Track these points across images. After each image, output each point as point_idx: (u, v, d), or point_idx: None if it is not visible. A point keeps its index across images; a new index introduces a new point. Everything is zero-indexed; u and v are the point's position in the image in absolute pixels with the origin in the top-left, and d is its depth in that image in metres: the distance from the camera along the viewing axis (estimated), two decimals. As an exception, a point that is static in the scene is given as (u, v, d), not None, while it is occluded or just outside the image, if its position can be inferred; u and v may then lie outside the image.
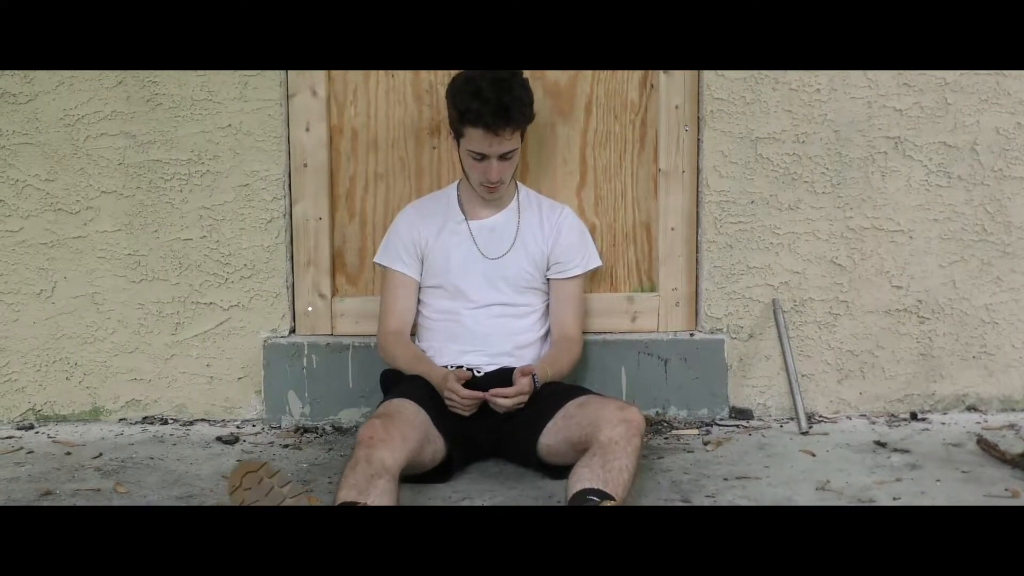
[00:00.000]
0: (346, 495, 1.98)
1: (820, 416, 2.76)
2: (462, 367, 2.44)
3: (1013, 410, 2.78)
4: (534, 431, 2.32)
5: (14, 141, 2.64)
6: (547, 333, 2.58)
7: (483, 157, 2.40)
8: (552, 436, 2.30)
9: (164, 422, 2.71)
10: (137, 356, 2.71)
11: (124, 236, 2.67)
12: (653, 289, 2.80)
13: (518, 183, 2.59)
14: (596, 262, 2.62)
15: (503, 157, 2.40)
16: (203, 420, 2.73)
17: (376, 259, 2.60)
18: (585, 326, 2.69)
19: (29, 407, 2.71)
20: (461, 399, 2.31)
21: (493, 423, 2.35)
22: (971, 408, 2.79)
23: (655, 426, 2.66)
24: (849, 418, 2.76)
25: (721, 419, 2.72)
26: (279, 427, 2.67)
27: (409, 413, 2.26)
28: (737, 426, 2.68)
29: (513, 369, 2.41)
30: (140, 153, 2.65)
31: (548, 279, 2.56)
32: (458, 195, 2.57)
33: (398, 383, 2.43)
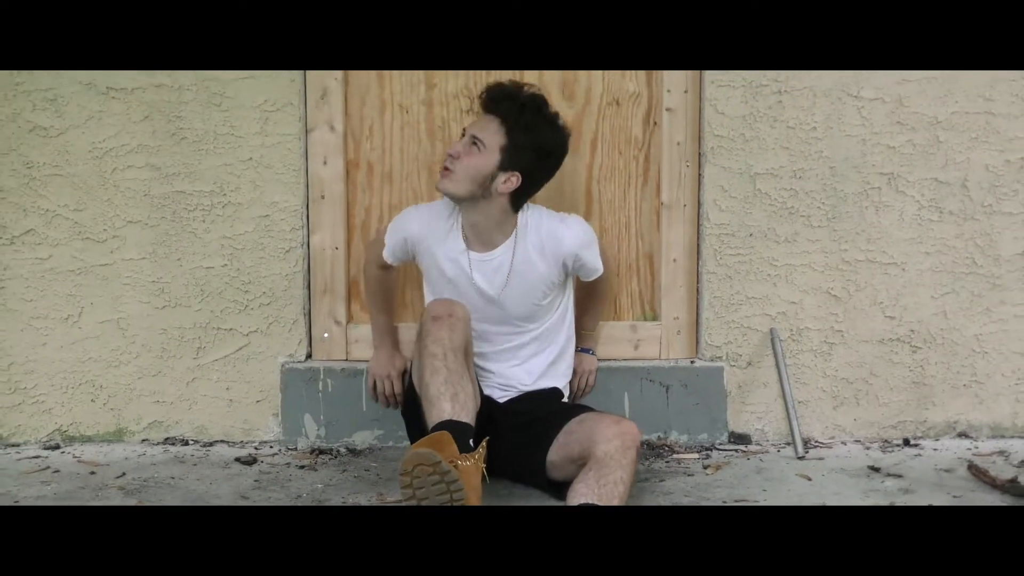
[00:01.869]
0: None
1: (816, 441, 2.75)
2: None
3: (1003, 436, 2.77)
4: (541, 449, 2.33)
5: (44, 172, 2.66)
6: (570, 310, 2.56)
7: (462, 134, 2.40)
8: (556, 453, 2.31)
9: (185, 443, 2.72)
10: (160, 379, 2.71)
11: (149, 264, 2.69)
12: (655, 318, 2.80)
13: (523, 210, 2.46)
14: (601, 268, 2.53)
15: (474, 141, 2.33)
16: (222, 441, 2.73)
17: (381, 234, 2.55)
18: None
19: (56, 428, 2.72)
20: (387, 395, 2.52)
21: (504, 443, 2.33)
22: (962, 435, 2.78)
23: (657, 450, 2.66)
24: (844, 443, 2.75)
25: (720, 444, 2.72)
26: (295, 448, 2.69)
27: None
28: (736, 451, 2.68)
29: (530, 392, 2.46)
30: (165, 185, 2.67)
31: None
32: (460, 223, 2.46)
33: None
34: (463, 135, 2.38)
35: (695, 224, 2.75)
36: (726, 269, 2.72)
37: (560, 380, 2.54)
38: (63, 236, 2.68)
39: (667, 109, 2.72)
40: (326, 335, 2.74)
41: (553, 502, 2.27)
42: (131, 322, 2.71)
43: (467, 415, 2.18)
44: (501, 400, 2.48)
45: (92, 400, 2.72)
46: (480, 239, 2.43)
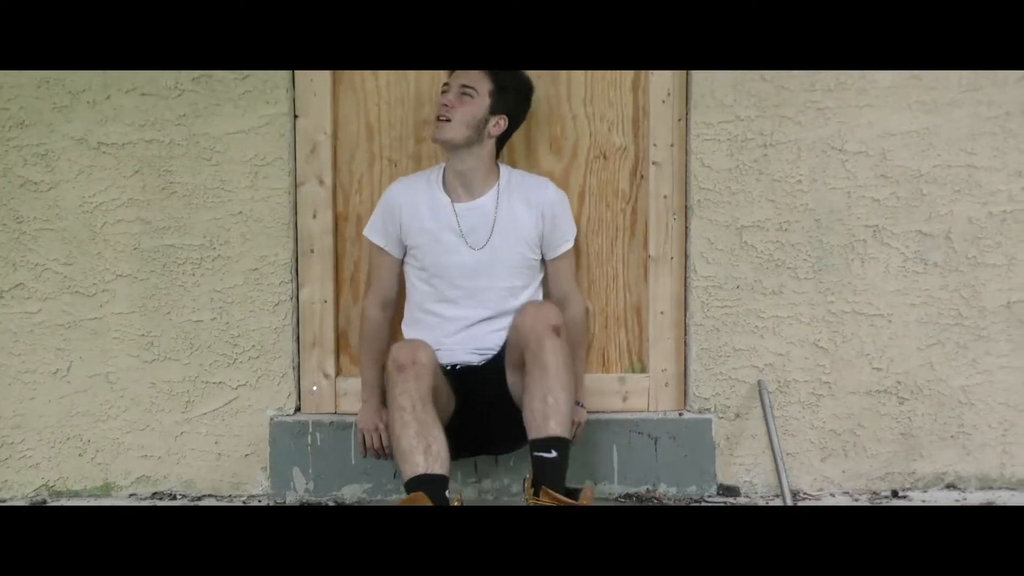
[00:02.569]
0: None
1: (804, 493, 2.74)
2: (456, 366, 2.51)
3: (990, 488, 2.76)
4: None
5: (35, 227, 2.67)
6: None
7: (446, 89, 2.49)
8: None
9: (173, 497, 2.70)
10: (148, 433, 2.70)
11: (138, 318, 2.68)
12: (643, 370, 2.80)
13: (500, 165, 2.59)
14: (575, 229, 2.66)
15: (464, 91, 2.46)
16: (210, 495, 2.71)
17: (365, 231, 2.62)
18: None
19: (43, 483, 2.70)
20: (376, 448, 2.51)
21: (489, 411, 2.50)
22: (950, 486, 2.76)
23: (645, 502, 2.65)
24: (832, 495, 2.73)
25: (709, 496, 2.70)
26: (284, 502, 2.66)
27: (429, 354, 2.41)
28: (725, 503, 2.67)
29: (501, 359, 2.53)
30: (155, 239, 2.67)
31: (543, 257, 2.61)
32: (443, 178, 2.57)
33: None
34: (446, 89, 2.49)
35: (682, 276, 2.76)
36: (713, 321, 2.72)
37: None
38: (52, 290, 2.68)
39: (653, 162, 2.73)
40: (315, 388, 2.73)
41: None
42: (120, 376, 2.70)
43: (440, 466, 2.25)
44: (477, 363, 2.54)
45: (80, 454, 2.70)
46: (467, 188, 2.54)
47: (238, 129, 2.66)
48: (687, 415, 2.74)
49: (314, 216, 2.70)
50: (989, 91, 2.69)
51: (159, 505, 2.64)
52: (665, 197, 2.74)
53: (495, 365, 2.54)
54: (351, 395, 2.72)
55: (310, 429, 2.67)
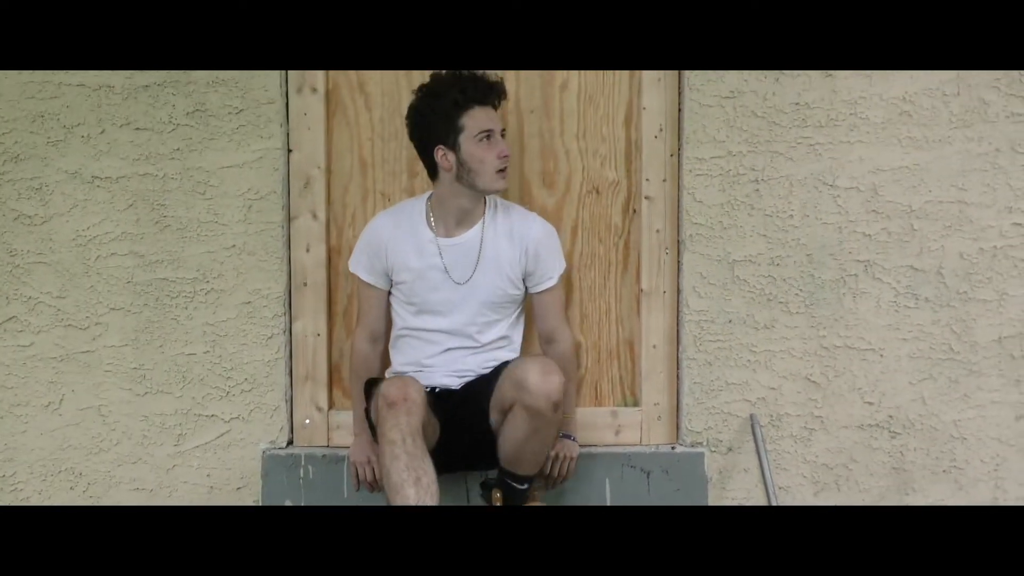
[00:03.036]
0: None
1: None
2: (435, 388, 2.51)
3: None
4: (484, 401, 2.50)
5: (28, 260, 2.67)
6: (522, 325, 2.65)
7: (490, 134, 2.43)
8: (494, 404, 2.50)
9: None
10: (140, 466, 2.70)
11: (131, 351, 2.68)
12: (636, 404, 2.80)
13: (486, 198, 2.56)
14: (563, 265, 2.62)
15: (502, 133, 2.48)
16: None
17: (350, 266, 2.61)
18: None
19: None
20: (369, 480, 2.53)
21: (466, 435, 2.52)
22: None
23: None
24: None
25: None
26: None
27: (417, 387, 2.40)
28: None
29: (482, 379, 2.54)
30: (148, 272, 2.68)
31: (527, 289, 2.60)
32: (427, 211, 2.54)
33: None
34: (490, 134, 2.43)
35: (675, 310, 2.76)
36: (706, 355, 2.72)
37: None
38: (45, 323, 2.68)
39: (646, 197, 2.74)
40: (307, 421, 2.73)
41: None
42: (112, 409, 2.70)
43: (431, 497, 2.27)
44: (456, 387, 2.56)
45: (71, 488, 2.70)
46: (457, 223, 2.52)
47: (232, 163, 2.66)
48: (679, 449, 2.74)
49: (307, 250, 2.70)
50: (979, 128, 2.70)
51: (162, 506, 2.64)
52: (658, 231, 2.75)
53: (473, 389, 2.54)
54: (344, 428, 2.72)
55: (303, 462, 2.66)
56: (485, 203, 2.55)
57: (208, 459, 2.70)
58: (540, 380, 2.34)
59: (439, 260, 2.51)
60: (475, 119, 2.41)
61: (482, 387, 2.52)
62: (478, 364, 2.56)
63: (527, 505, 2.53)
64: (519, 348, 2.62)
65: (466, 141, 2.41)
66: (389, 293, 2.58)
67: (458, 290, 2.51)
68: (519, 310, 2.61)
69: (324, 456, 2.67)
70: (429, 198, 2.56)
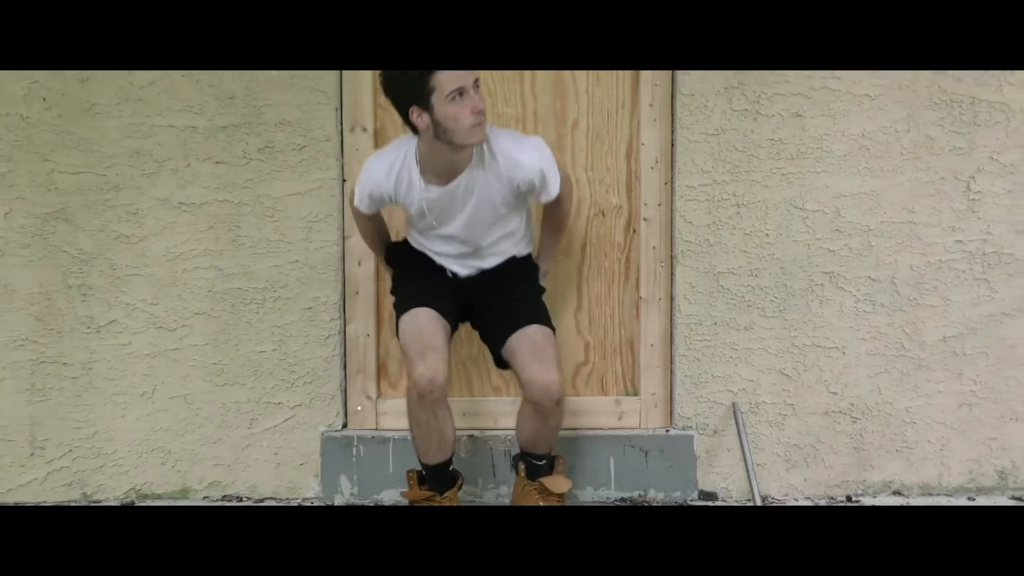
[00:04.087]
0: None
1: (772, 498, 3.05)
2: (455, 274, 2.69)
3: (930, 495, 3.06)
4: (498, 342, 2.68)
5: (126, 273, 3.00)
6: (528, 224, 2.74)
7: (462, 91, 2.35)
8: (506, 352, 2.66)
9: (239, 499, 3.04)
10: (219, 446, 3.04)
11: (211, 349, 3.02)
12: (636, 393, 3.11)
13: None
14: (559, 181, 2.57)
15: (475, 86, 2.39)
16: (271, 498, 3.05)
17: (354, 204, 2.66)
18: (577, 423, 3.01)
19: (131, 487, 3.06)
20: None
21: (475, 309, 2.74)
22: (896, 492, 3.07)
23: (638, 505, 2.99)
24: (796, 500, 3.04)
25: (692, 500, 3.02)
26: (332, 504, 3.01)
27: (439, 332, 2.58)
28: (705, 505, 2.99)
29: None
30: (225, 282, 3.01)
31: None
32: (417, 159, 2.53)
33: (408, 278, 2.70)
34: (464, 91, 2.36)
35: (668, 315, 3.07)
36: (695, 352, 3.02)
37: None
38: (140, 326, 3.02)
39: (644, 219, 3.05)
40: (359, 408, 3.07)
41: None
42: (196, 397, 3.04)
43: (444, 454, 2.63)
44: (462, 274, 2.71)
45: (162, 463, 3.05)
46: (444, 172, 2.51)
47: (295, 191, 2.99)
48: (673, 432, 3.04)
49: (359, 264, 3.04)
50: (927, 159, 2.99)
51: (228, 505, 3.00)
52: (654, 248, 3.06)
53: (493, 275, 2.69)
54: (391, 414, 3.05)
55: (355, 443, 3.00)
56: (472, 149, 2.49)
57: (276, 440, 3.04)
58: (542, 380, 2.53)
59: (428, 207, 2.56)
60: (445, 78, 2.34)
61: (498, 274, 2.68)
62: (488, 261, 2.70)
63: (554, 476, 2.74)
64: (525, 232, 2.74)
65: (438, 102, 2.35)
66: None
67: (454, 224, 2.60)
68: (521, 207, 2.67)
69: (373, 437, 3.00)
70: (416, 150, 2.53)
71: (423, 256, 2.74)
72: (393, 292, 2.77)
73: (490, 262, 2.71)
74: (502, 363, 2.71)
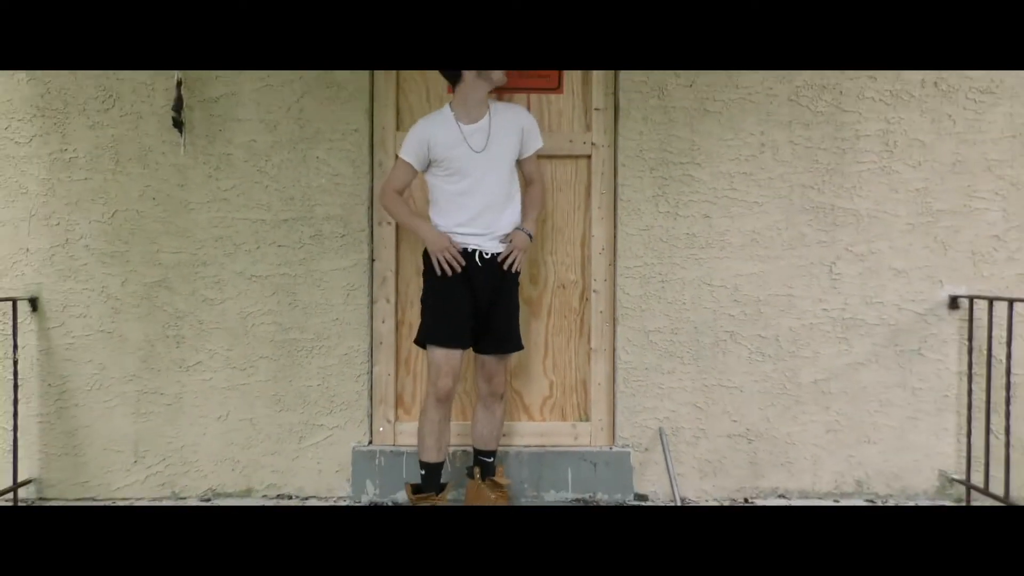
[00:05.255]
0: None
1: (689, 499, 3.65)
2: (466, 249, 3.19)
3: (806, 497, 3.70)
4: (484, 351, 3.27)
5: (210, 327, 3.75)
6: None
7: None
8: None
9: (290, 497, 3.72)
10: (276, 457, 3.75)
11: (272, 384, 3.75)
12: (588, 420, 3.76)
13: (489, 102, 3.27)
14: (541, 142, 3.33)
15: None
16: (314, 496, 3.71)
17: (399, 153, 3.26)
18: (543, 442, 3.69)
19: (208, 488, 3.77)
20: (456, 261, 3.12)
21: (483, 328, 3.26)
22: (781, 496, 3.70)
23: (588, 504, 3.69)
24: (707, 501, 3.64)
25: (629, 501, 3.62)
26: (360, 502, 3.70)
27: (459, 360, 3.15)
28: (638, 505, 3.64)
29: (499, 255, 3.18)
30: (283, 334, 3.74)
31: (520, 160, 3.29)
32: (451, 112, 3.21)
33: (439, 300, 3.19)
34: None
35: (612, 362, 3.75)
36: (631, 389, 3.71)
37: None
38: (219, 366, 3.76)
39: (594, 291, 3.81)
40: (381, 429, 3.78)
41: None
42: (259, 420, 3.76)
43: (442, 454, 3.23)
44: (488, 254, 3.21)
45: (232, 469, 3.77)
46: (473, 113, 3.21)
47: (337, 267, 3.72)
48: (615, 449, 3.67)
49: (383, 322, 3.80)
50: (800, 250, 3.74)
51: (282, 505, 3.77)
52: (601, 312, 3.78)
53: (499, 276, 3.19)
54: (404, 433, 3.78)
55: (378, 455, 3.69)
56: (488, 103, 3.23)
57: (318, 453, 3.74)
58: (496, 379, 3.19)
59: (464, 138, 3.15)
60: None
61: (497, 322, 3.21)
62: (504, 224, 3.18)
63: (498, 474, 3.36)
64: (520, 201, 3.28)
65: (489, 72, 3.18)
66: (416, 174, 3.22)
67: (480, 157, 3.14)
68: (515, 174, 3.27)
69: (391, 451, 3.71)
70: (449, 105, 3.24)
71: (453, 274, 3.15)
72: (423, 302, 3.27)
73: (504, 230, 3.19)
74: (476, 350, 3.32)
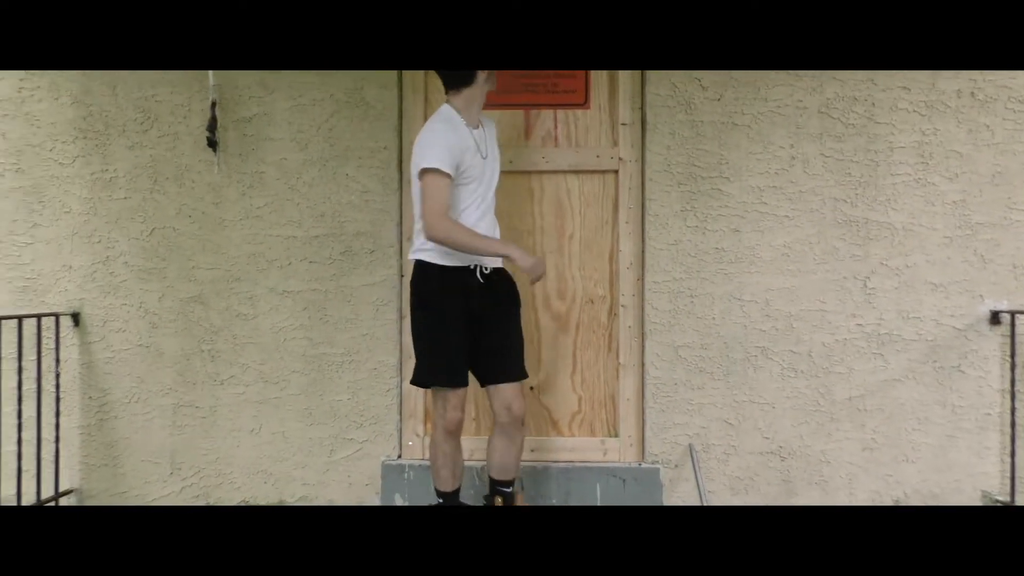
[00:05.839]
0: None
1: None
2: (467, 267, 3.13)
3: None
4: (490, 380, 3.20)
5: (243, 341, 3.88)
6: None
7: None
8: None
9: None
10: (307, 470, 3.86)
11: (303, 397, 3.86)
12: (617, 436, 3.79)
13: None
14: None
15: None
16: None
17: (431, 165, 3.00)
18: (571, 457, 3.72)
19: (242, 499, 3.89)
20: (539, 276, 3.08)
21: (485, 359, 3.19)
22: None
23: None
24: None
25: None
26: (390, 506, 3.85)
27: (464, 397, 3.09)
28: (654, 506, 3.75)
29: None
30: (314, 349, 3.86)
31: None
32: (458, 114, 3.16)
33: (438, 332, 3.08)
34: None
35: (641, 377, 3.79)
36: (661, 405, 3.75)
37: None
38: (252, 379, 3.88)
39: (622, 305, 3.84)
40: (410, 443, 3.86)
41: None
42: (291, 434, 3.87)
43: (456, 482, 3.21)
44: (488, 269, 3.15)
45: (265, 482, 3.88)
46: (475, 120, 3.19)
47: (366, 283, 3.83)
48: (644, 465, 3.71)
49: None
50: (832, 264, 3.74)
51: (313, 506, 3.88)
52: (629, 327, 3.82)
53: (497, 289, 3.17)
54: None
55: (407, 469, 3.77)
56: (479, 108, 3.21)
57: (349, 466, 3.84)
58: (515, 399, 3.09)
59: (475, 144, 3.13)
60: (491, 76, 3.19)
61: (498, 346, 3.14)
62: (498, 236, 3.16)
63: (518, 503, 3.32)
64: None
65: (485, 77, 3.16)
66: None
67: (485, 163, 3.17)
68: None
69: (420, 465, 3.79)
70: (453, 109, 3.15)
71: (449, 296, 3.07)
72: (418, 339, 3.14)
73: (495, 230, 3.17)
74: (483, 383, 3.26)
